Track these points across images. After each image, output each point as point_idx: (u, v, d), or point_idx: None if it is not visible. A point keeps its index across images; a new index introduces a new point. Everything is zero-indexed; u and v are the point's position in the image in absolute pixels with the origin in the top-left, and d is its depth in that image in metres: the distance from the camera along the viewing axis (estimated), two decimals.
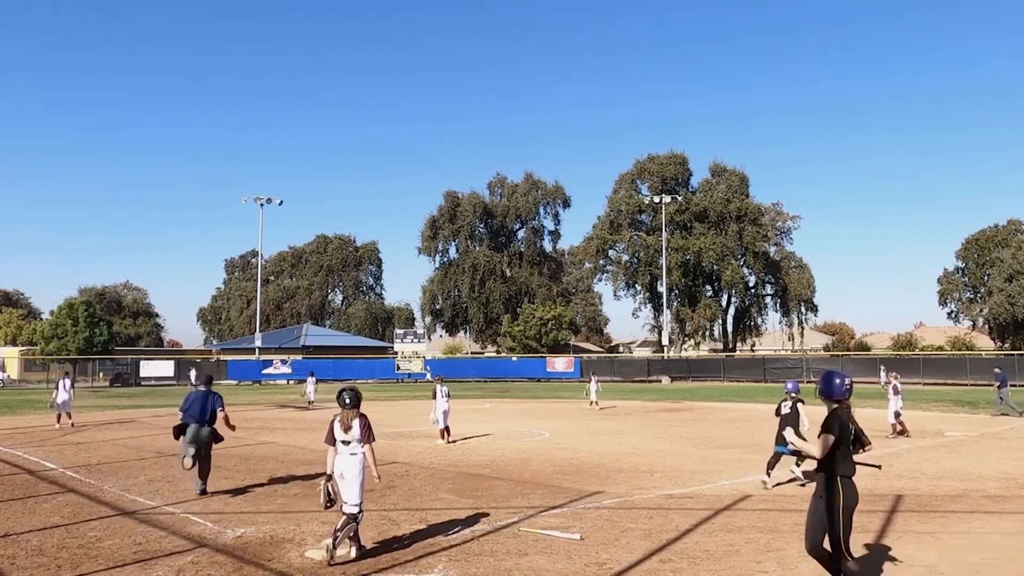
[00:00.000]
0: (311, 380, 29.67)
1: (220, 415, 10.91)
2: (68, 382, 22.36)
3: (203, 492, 10.63)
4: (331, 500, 7.22)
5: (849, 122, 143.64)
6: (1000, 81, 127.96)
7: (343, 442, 7.29)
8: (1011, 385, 41.39)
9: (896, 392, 18.06)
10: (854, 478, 5.52)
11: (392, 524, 8.70)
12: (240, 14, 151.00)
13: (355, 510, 7.15)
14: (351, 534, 7.14)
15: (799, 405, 11.63)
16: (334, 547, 6.92)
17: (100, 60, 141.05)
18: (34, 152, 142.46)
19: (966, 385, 42.68)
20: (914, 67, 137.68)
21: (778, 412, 11.83)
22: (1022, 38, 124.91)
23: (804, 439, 7.64)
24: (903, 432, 17.69)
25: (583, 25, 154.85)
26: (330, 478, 7.28)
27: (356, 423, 7.30)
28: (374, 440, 7.47)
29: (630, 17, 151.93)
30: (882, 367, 44.11)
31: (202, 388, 11.36)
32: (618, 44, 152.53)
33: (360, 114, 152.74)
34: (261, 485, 11.48)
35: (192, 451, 10.60)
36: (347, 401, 7.39)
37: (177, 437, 10.96)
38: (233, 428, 11.40)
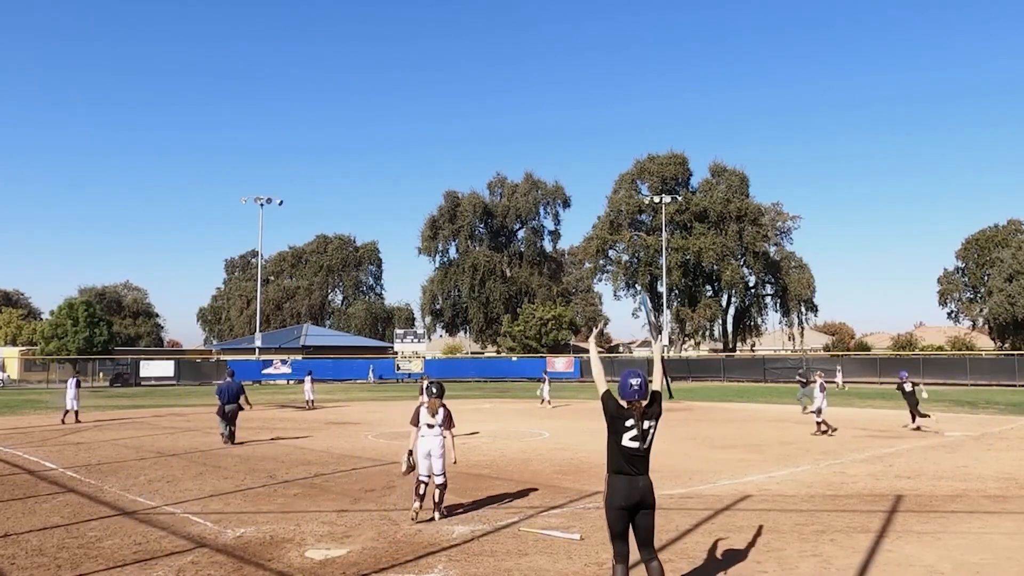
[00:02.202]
0: (308, 380, 29.61)
1: (242, 396, 17.16)
2: (74, 381, 23.43)
3: (232, 443, 16.60)
4: (411, 468, 8.99)
5: (849, 122, 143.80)
6: (1000, 81, 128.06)
7: (428, 425, 8.94)
8: (1010, 385, 41.83)
9: (822, 390, 18.49)
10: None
11: (392, 524, 8.70)
12: (240, 14, 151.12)
13: (442, 479, 8.97)
14: (442, 499, 9.05)
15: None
16: (439, 506, 8.95)
17: (100, 60, 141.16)
18: (34, 152, 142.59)
19: (966, 385, 42.68)
20: (914, 67, 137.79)
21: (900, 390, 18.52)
22: (1022, 38, 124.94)
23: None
24: (826, 431, 18.01)
25: (583, 25, 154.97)
26: (411, 453, 8.99)
27: (441, 411, 8.97)
28: (454, 427, 9.19)
29: (630, 17, 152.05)
30: (838, 368, 45.15)
31: (229, 379, 17.35)
32: (618, 44, 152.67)
33: (360, 114, 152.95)
34: (261, 485, 11.48)
35: (223, 427, 16.92)
36: (434, 391, 9.06)
37: (219, 413, 17.07)
38: (251, 406, 17.85)
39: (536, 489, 11.01)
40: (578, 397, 36.34)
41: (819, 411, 18.19)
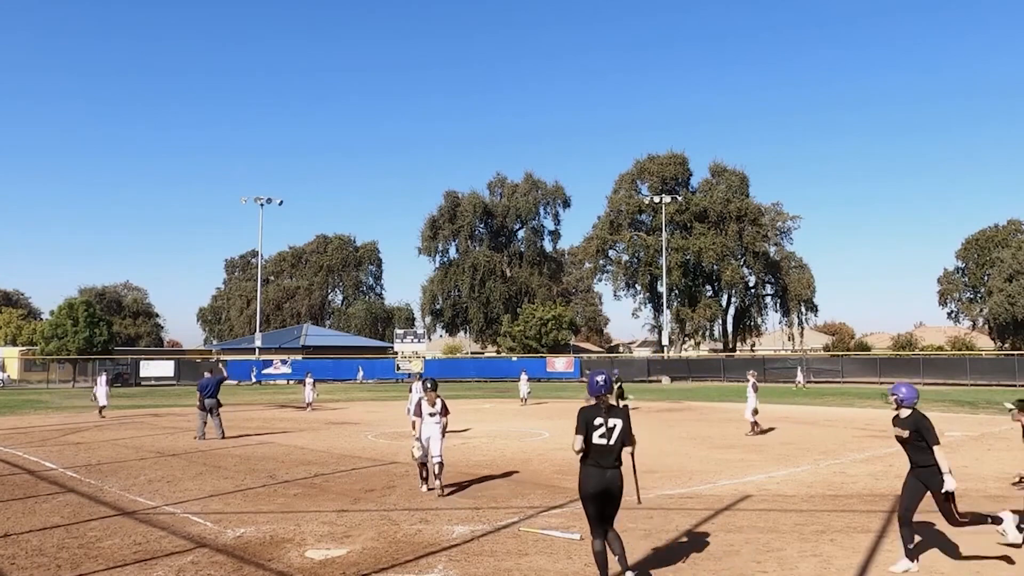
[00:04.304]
0: (309, 381, 29.31)
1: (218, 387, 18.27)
2: (104, 379, 25.43)
3: (223, 436, 17.59)
4: (422, 449, 10.64)
5: (849, 122, 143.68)
6: (1000, 81, 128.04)
7: (429, 414, 10.68)
8: (1010, 385, 41.77)
9: (755, 390, 18.86)
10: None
11: (392, 524, 8.70)
12: (240, 14, 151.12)
13: (439, 459, 10.58)
14: (439, 473, 10.62)
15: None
16: (440, 486, 10.54)
17: (100, 60, 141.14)
18: (34, 152, 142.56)
19: (966, 385, 42.65)
20: (914, 67, 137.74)
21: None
22: (1022, 38, 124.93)
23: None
24: (760, 431, 18.42)
25: (583, 25, 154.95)
26: (418, 439, 10.66)
27: (438, 402, 10.75)
28: (449, 413, 10.97)
29: (630, 17, 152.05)
30: (800, 367, 46.90)
31: (208, 375, 18.49)
32: (618, 44, 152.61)
33: (360, 114, 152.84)
34: (261, 485, 11.48)
35: (202, 425, 17.72)
36: (429, 386, 10.83)
37: (201, 408, 17.89)
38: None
39: (536, 489, 11.01)
40: (577, 397, 36.32)
41: (755, 411, 18.55)
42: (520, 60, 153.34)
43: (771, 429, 19.27)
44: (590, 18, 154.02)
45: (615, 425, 6.05)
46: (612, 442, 6.03)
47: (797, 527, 8.45)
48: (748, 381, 19.34)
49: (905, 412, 6.95)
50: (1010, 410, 8.04)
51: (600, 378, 6.21)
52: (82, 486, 11.41)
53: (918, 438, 6.80)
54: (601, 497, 6.04)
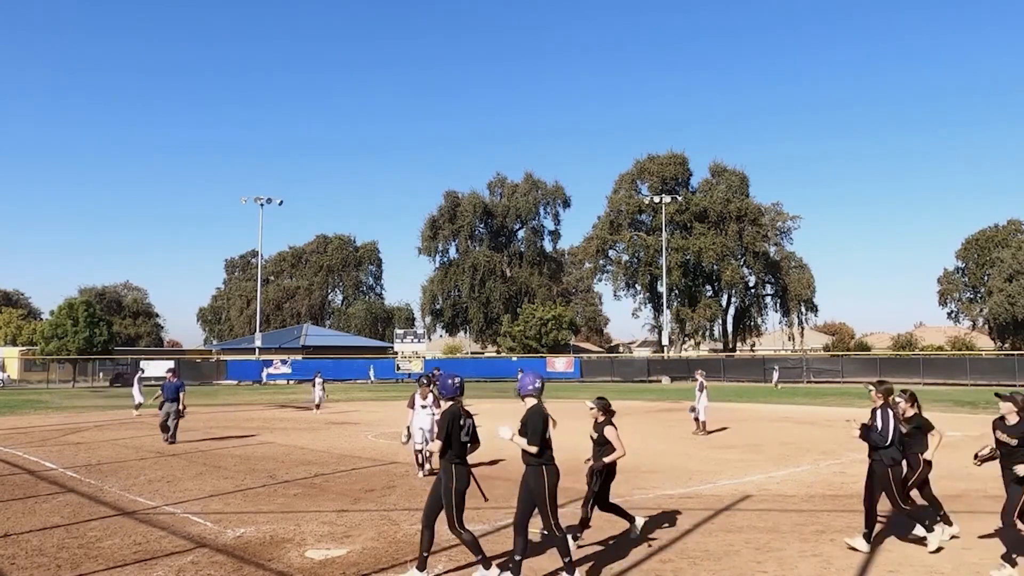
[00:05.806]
0: (318, 381, 28.85)
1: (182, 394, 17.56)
2: (138, 376, 26.44)
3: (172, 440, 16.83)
4: (409, 437, 12.16)
5: (849, 121, 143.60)
6: (1001, 80, 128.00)
7: (422, 406, 12.08)
8: (1010, 385, 41.87)
9: (701, 389, 18.91)
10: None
11: (392, 524, 8.70)
12: (240, 14, 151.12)
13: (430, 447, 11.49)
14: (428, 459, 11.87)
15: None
16: (429, 467, 11.73)
17: (99, 59, 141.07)
18: (34, 152, 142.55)
19: (966, 385, 42.66)
20: (914, 66, 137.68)
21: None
22: (1022, 36, 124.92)
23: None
24: (706, 432, 18.58)
25: (582, 25, 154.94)
26: (408, 428, 12.17)
27: (430, 395, 12.09)
28: (439, 407, 11.48)
29: (630, 17, 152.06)
30: (776, 368, 47.89)
31: (174, 379, 17.84)
32: (618, 44, 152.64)
33: (360, 113, 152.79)
34: (261, 485, 11.48)
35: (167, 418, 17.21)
36: (425, 382, 12.40)
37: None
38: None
39: None
40: (577, 397, 36.31)
41: (692, 408, 18.82)
42: (520, 60, 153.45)
43: (723, 429, 19.43)
44: (590, 18, 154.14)
45: (472, 425, 6.52)
46: (472, 441, 6.54)
47: (797, 527, 8.45)
48: (696, 380, 19.31)
49: (531, 401, 6.66)
50: (591, 407, 8.17)
51: (456, 380, 6.64)
52: (82, 486, 11.41)
53: (523, 432, 6.48)
54: (465, 491, 6.55)
